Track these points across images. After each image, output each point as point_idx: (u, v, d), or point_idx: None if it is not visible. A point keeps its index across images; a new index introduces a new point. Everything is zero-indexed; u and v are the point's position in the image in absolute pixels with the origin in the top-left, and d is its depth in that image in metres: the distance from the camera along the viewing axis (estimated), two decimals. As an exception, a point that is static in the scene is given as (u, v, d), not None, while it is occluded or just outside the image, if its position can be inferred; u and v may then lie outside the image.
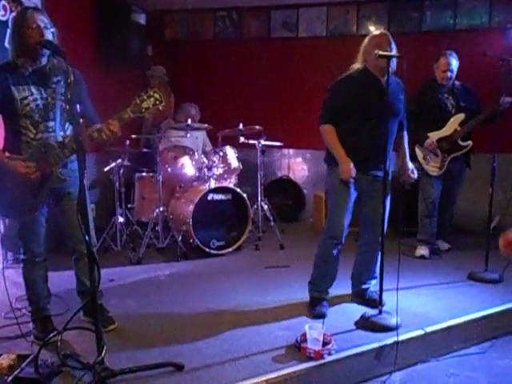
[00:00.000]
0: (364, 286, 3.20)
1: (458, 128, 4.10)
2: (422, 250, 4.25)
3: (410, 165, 3.12)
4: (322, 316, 2.93)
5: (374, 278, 3.18)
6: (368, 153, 2.93)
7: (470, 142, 4.13)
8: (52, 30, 2.51)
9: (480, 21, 5.35)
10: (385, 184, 2.85)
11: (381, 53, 2.71)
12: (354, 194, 3.01)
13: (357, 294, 3.23)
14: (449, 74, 4.08)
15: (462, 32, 5.37)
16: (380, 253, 2.91)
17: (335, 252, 3.04)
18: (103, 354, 2.17)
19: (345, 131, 2.95)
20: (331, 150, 2.99)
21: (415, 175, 3.10)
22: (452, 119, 4.12)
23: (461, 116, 4.10)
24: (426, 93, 4.21)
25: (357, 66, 3.01)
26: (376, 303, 2.94)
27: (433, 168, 4.18)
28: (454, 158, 4.15)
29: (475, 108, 4.11)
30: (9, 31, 2.85)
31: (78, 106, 2.20)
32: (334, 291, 3.22)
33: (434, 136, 4.14)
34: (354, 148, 2.92)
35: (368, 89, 2.90)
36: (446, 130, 4.13)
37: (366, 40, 2.98)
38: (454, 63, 4.10)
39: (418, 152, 4.23)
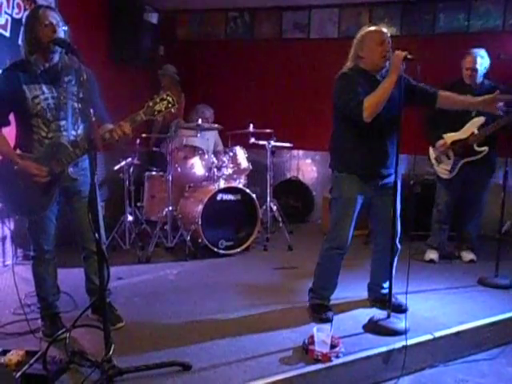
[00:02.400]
0: (384, 291, 3.12)
1: (476, 132, 3.88)
2: (432, 254, 4.20)
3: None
4: (329, 320, 2.87)
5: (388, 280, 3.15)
6: (377, 158, 2.88)
7: (485, 148, 3.89)
8: (64, 28, 2.52)
9: (494, 23, 5.29)
10: (395, 187, 2.81)
11: (409, 56, 2.64)
12: (360, 203, 2.94)
13: (378, 300, 3.15)
14: (472, 72, 3.89)
15: (475, 34, 5.31)
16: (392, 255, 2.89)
17: (339, 260, 3.01)
18: (111, 351, 2.18)
19: (352, 139, 2.87)
20: (388, 91, 2.67)
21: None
22: (470, 122, 3.91)
23: (480, 119, 3.87)
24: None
25: (348, 65, 2.91)
26: (402, 308, 2.95)
27: (443, 170, 4.07)
28: (470, 164, 3.95)
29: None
30: (22, 29, 2.87)
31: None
32: (341, 295, 3.20)
33: (448, 138, 3.97)
34: (361, 156, 2.86)
35: (370, 87, 2.78)
36: (463, 133, 3.93)
37: (363, 35, 2.85)
38: (480, 62, 3.89)
39: (431, 153, 4.14)
